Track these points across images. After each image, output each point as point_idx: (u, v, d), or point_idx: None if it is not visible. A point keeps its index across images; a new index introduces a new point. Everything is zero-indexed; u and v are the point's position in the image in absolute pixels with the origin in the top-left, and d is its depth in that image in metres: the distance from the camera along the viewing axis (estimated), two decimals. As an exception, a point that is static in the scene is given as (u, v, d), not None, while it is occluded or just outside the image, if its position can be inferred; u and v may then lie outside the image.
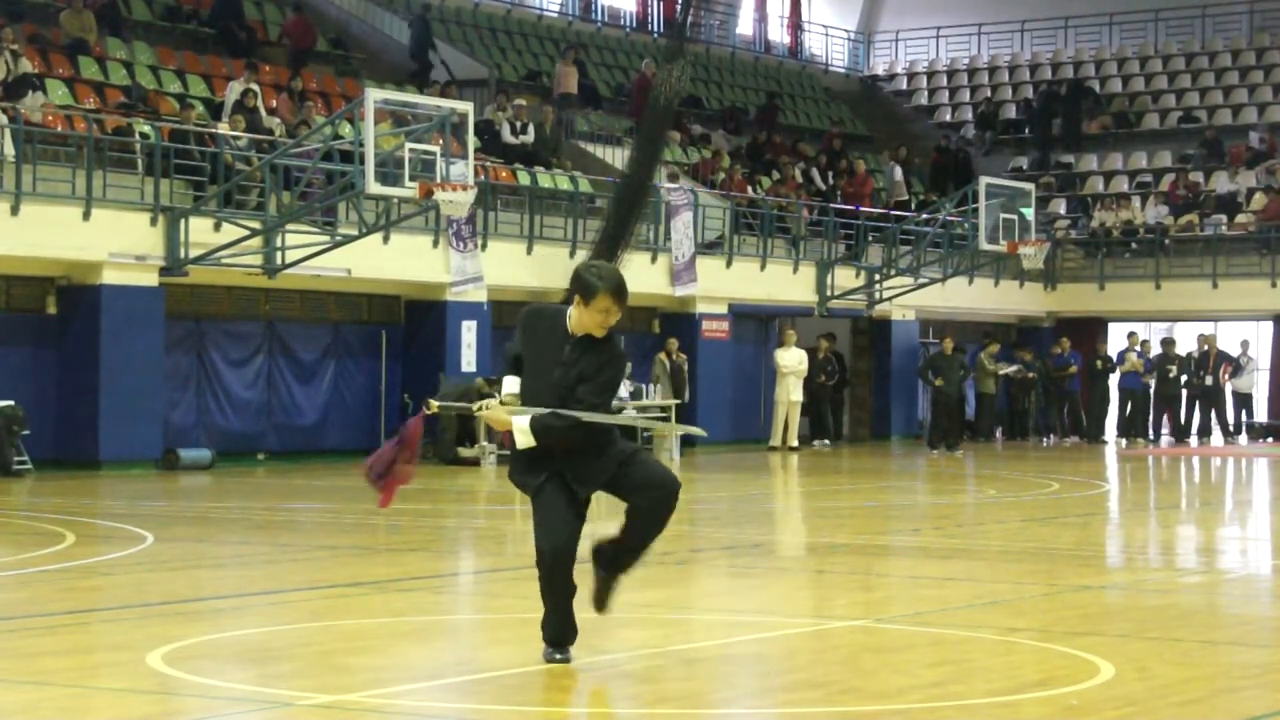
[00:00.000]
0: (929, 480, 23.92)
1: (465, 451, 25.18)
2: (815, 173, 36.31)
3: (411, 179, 21.94)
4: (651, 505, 8.39)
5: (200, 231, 23.34)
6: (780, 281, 31.14)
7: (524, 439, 8.19)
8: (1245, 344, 34.82)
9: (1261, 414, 35.46)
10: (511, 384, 8.35)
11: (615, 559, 8.64)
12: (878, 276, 32.27)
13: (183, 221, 23.17)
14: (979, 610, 10.77)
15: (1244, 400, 34.80)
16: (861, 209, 34.00)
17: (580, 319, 8.17)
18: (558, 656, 8.42)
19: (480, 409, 8.33)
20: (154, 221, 23.12)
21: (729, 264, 30.45)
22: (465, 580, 13.15)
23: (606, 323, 8.18)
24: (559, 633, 8.46)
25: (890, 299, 32.50)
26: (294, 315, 25.92)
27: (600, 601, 8.67)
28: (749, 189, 33.32)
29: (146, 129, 24.40)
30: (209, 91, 28.18)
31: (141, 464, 23.02)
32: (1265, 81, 41.86)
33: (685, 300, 29.70)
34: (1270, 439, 34.55)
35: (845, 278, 32.14)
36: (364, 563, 13.62)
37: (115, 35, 28.68)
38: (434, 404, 8.64)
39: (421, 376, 26.38)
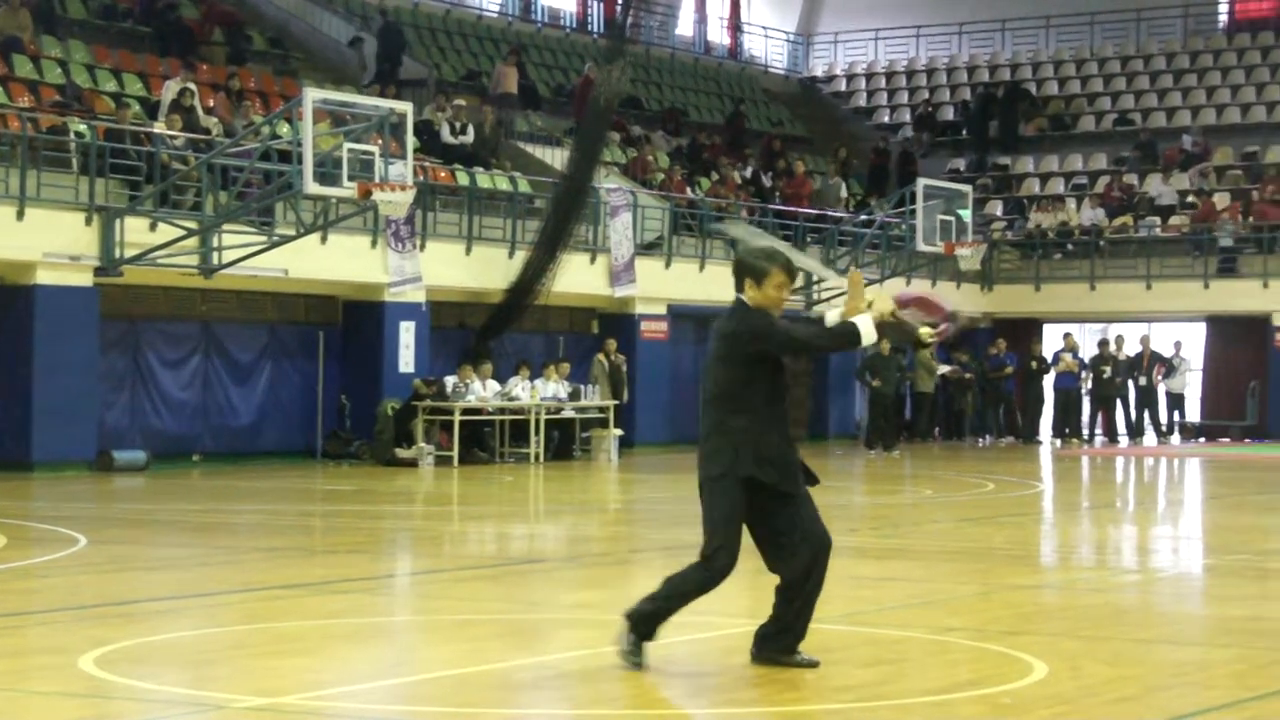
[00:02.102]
0: (866, 480, 24.02)
1: (403, 452, 25.11)
2: (754, 173, 36.37)
3: (350, 179, 21.88)
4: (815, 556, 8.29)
5: (136, 231, 23.19)
6: (719, 282, 31.04)
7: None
8: (1178, 345, 35.11)
9: (1194, 414, 35.77)
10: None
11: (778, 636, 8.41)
12: (816, 277, 32.34)
13: (118, 221, 23.02)
14: (914, 610, 10.83)
15: (1177, 400, 35.11)
16: (800, 210, 34.10)
17: (759, 303, 8.21)
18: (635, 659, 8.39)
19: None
20: (89, 221, 22.96)
21: (668, 265, 30.48)
22: (402, 582, 13.12)
23: (783, 299, 8.24)
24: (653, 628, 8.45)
25: (829, 299, 32.57)
26: (230, 316, 25.79)
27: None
28: (688, 190, 33.36)
29: (82, 128, 24.22)
30: (145, 90, 28.00)
31: (75, 466, 22.85)
32: (1199, 85, 42.22)
33: (624, 301, 29.72)
34: (1202, 439, 34.86)
35: (784, 279, 32.16)
36: (300, 564, 13.57)
37: (50, 33, 28.46)
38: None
39: (359, 378, 26.31)
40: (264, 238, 23.72)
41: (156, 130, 24.57)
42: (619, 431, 27.59)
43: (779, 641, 8.31)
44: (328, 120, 23.56)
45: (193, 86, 26.37)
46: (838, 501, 20.64)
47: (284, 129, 25.21)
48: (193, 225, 23.34)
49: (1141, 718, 7.53)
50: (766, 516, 8.24)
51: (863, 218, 34.34)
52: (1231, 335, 35.31)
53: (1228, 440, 34.35)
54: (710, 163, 36.15)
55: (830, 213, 35.18)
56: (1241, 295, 34.64)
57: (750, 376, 8.17)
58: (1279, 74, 41.51)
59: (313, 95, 22.42)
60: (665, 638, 9.68)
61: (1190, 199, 37.41)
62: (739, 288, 8.28)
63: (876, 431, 30.85)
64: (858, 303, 8.28)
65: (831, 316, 8.39)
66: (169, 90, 26.28)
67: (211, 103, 27.50)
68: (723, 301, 30.95)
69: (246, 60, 30.98)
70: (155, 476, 22.72)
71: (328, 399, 26.44)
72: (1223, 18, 44.93)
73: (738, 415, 8.15)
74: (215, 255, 23.68)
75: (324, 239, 24.90)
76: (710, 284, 30.97)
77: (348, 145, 22.07)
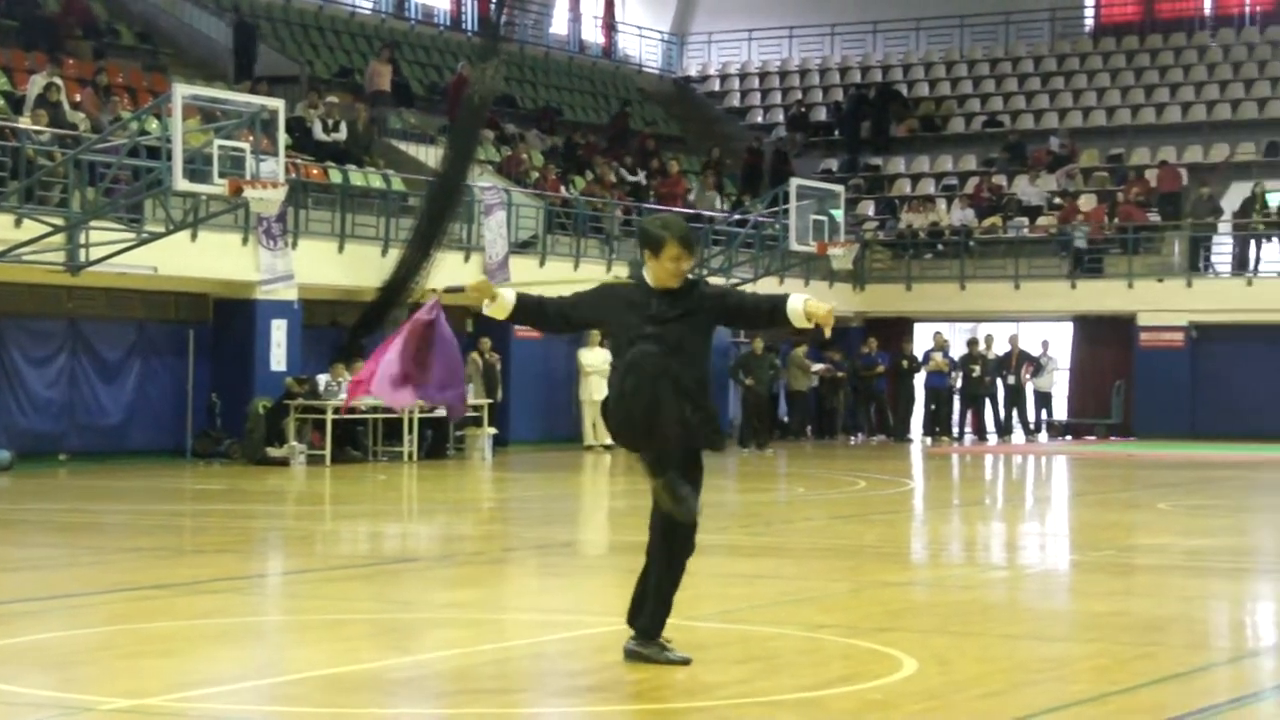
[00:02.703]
0: (739, 479, 24.13)
1: (274, 451, 24.89)
2: (628, 173, 36.43)
3: (221, 176, 21.67)
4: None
5: (0, 228, 22.80)
6: (595, 281, 31.12)
7: (500, 311, 8.42)
8: (1046, 344, 35.60)
9: (1061, 412, 36.29)
10: (506, 290, 8.55)
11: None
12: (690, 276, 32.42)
13: (-18, 217, 22.64)
14: (786, 607, 10.90)
15: (1044, 399, 35.59)
16: (674, 209, 34.18)
17: (655, 273, 8.25)
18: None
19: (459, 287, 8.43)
20: (-48, 217, 22.57)
21: (542, 263, 30.45)
22: (273, 581, 13.02)
23: (679, 270, 8.22)
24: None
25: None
26: (98, 313, 25.44)
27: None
28: (562, 189, 33.36)
29: (-56, 122, 23.80)
30: (10, 85, 27.53)
31: (-62, 465, 22.44)
32: (1065, 87, 42.84)
33: (498, 299, 29.59)
34: (1069, 437, 35.38)
35: (658, 277, 32.22)
36: (169, 565, 13.42)
37: (-88, 25, 27.94)
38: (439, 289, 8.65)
39: (230, 376, 26.06)
40: (132, 235, 23.42)
41: (22, 125, 24.16)
42: (493, 430, 27.53)
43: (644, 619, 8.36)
44: (198, 116, 23.30)
45: (59, 81, 25.98)
46: (711, 499, 20.70)
47: (153, 125, 24.90)
48: (59, 222, 22.99)
49: (1008, 712, 7.62)
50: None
51: (736, 217, 34.50)
52: (1097, 335, 35.86)
53: (1093, 438, 34.88)
54: (585, 162, 36.16)
55: (704, 212, 35.30)
56: (1107, 295, 35.19)
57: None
58: (1143, 77, 42.21)
59: (182, 91, 22.19)
60: (537, 636, 9.69)
61: (1057, 200, 37.95)
62: (641, 256, 8.45)
63: (749, 430, 31.02)
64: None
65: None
66: (34, 85, 25.87)
67: (79, 98, 27.10)
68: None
69: (113, 55, 30.55)
70: (20, 476, 22.35)
71: (198, 398, 26.17)
72: (1088, 21, 45.61)
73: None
74: (82, 252, 23.34)
75: (194, 236, 24.62)
76: (585, 282, 30.94)
77: (218, 142, 21.85)
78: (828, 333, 8.39)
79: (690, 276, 8.37)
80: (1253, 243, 34.98)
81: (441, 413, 26.93)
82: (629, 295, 8.38)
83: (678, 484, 8.03)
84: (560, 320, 8.59)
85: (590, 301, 8.55)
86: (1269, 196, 35.43)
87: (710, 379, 8.37)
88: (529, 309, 8.61)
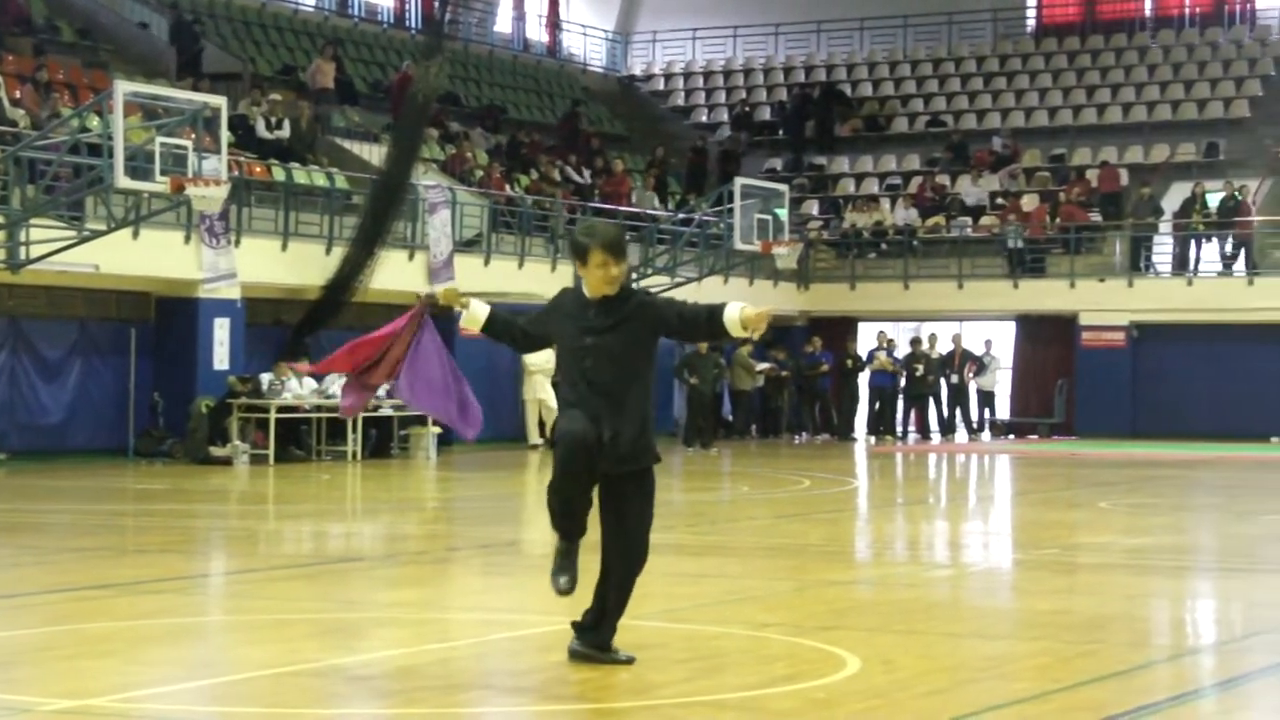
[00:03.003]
0: (684, 478, 24.15)
1: (217, 451, 24.77)
2: (573, 171, 36.42)
3: (163, 173, 21.55)
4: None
5: (-60, 225, 22.64)
6: (539, 279, 31.13)
7: (472, 323, 8.44)
8: (989, 343, 35.78)
9: (1004, 411, 36.48)
10: (479, 303, 8.55)
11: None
12: (635, 275, 32.48)
13: (-79, 214, 22.45)
14: (731, 606, 10.92)
15: (987, 398, 35.77)
16: (619, 208, 34.20)
17: (588, 282, 8.18)
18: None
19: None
20: (-110, 214, 22.36)
21: (487, 262, 30.40)
22: (216, 581, 12.95)
23: (609, 277, 8.12)
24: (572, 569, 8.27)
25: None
26: (39, 312, 25.25)
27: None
28: (507, 187, 33.31)
29: (-118, 118, 23.58)
30: (-51, 81, 27.33)
31: (-124, 465, 22.25)
32: (1008, 88, 43.07)
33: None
34: (1012, 436, 35.56)
35: (603, 276, 32.21)
36: (110, 564, 13.34)
37: None
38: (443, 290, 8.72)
39: (173, 375, 25.91)
40: (74, 232, 23.26)
41: (-39, 122, 23.99)
42: (437, 430, 27.46)
43: (599, 634, 8.37)
44: (139, 113, 23.17)
45: (-2, 77, 25.80)
46: (656, 499, 20.73)
47: (94, 122, 24.73)
48: (-1, 219, 22.84)
49: (950, 710, 7.66)
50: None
51: (681, 216, 34.52)
52: (1040, 334, 36.06)
53: (1036, 437, 35.07)
54: (530, 160, 36.12)
55: (649, 211, 35.34)
56: (1049, 295, 35.39)
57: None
58: (1085, 78, 42.48)
59: (124, 88, 22.03)
60: (481, 635, 9.68)
61: (1000, 200, 38.14)
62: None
63: (694, 429, 31.06)
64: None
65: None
66: (-27, 81, 25.69)
67: (18, 94, 26.90)
68: (542, 298, 30.97)
69: (53, 51, 30.32)
70: (-40, 476, 22.18)
71: (140, 396, 26.00)
72: (1030, 22, 45.87)
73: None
74: (23, 250, 23.16)
75: (136, 234, 24.47)
76: (530, 280, 30.94)
77: (160, 139, 21.74)
78: (756, 335, 8.35)
79: (631, 286, 8.32)
80: (1193, 243, 35.25)
81: (387, 412, 26.88)
82: (569, 306, 8.32)
83: (562, 564, 8.19)
84: (524, 337, 8.57)
85: (542, 317, 8.50)
86: (1209, 197, 35.71)
87: (650, 390, 8.32)
88: (500, 323, 8.59)
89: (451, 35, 37.94)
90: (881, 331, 35.53)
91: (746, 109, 43.93)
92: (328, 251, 26.96)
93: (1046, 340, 35.92)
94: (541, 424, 30.06)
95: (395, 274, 27.46)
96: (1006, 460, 29.13)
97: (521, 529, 17.23)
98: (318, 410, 26.00)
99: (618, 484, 8.25)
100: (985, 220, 37.54)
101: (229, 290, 26.04)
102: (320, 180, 29.43)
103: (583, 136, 39.40)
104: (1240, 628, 10.81)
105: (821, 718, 7.51)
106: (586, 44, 46.56)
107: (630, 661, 8.33)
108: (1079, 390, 35.18)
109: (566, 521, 8.18)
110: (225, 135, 22.99)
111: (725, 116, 44.29)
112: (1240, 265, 34.88)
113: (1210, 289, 34.32)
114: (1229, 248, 35.22)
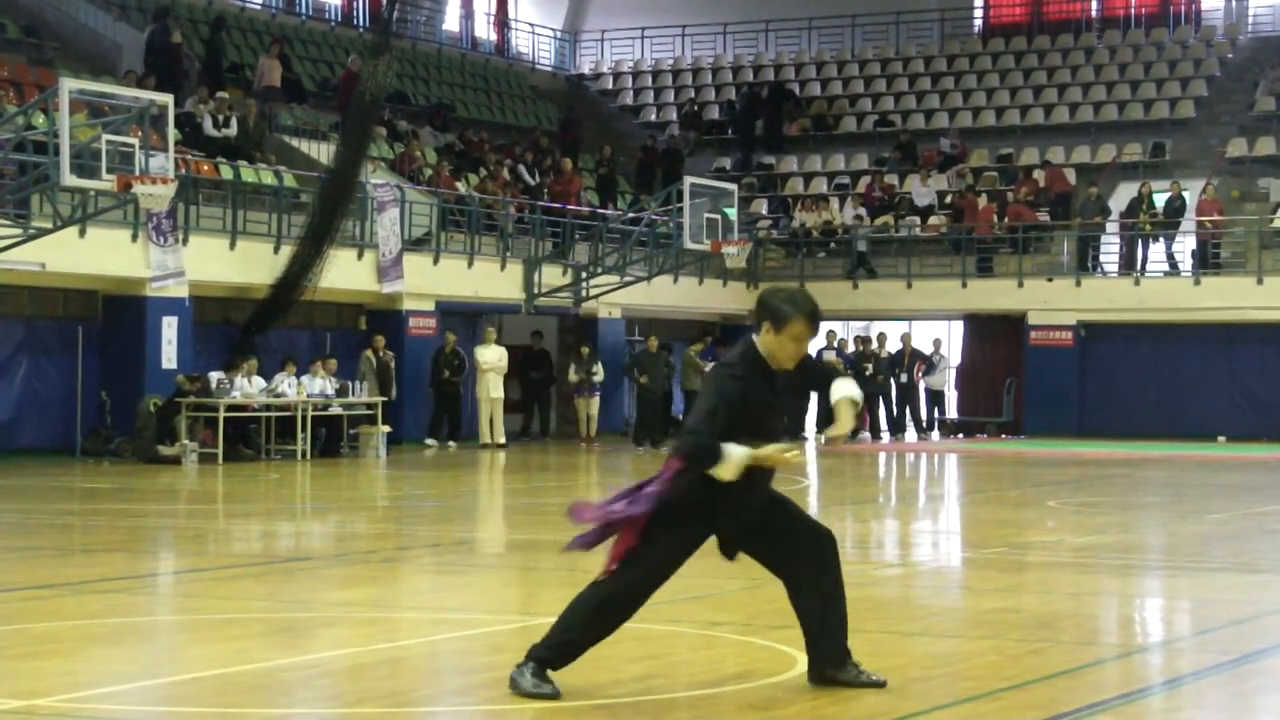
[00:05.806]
0: (634, 477, 24.10)
1: (166, 450, 24.63)
2: (523, 170, 36.37)
3: (109, 171, 21.44)
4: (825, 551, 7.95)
5: (-117, 223, 22.44)
6: (488, 279, 31.12)
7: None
8: (938, 342, 35.91)
9: (953, 411, 36.62)
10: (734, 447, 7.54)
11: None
12: (584, 274, 32.48)
13: None
14: (682, 605, 10.92)
15: (936, 397, 35.89)
16: (569, 207, 34.19)
17: (771, 349, 7.61)
18: (547, 689, 7.67)
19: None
20: None
21: (436, 261, 30.34)
22: (164, 581, 12.88)
23: (800, 353, 7.64)
24: (567, 658, 7.78)
25: (597, 297, 32.75)
26: (-16, 310, 25.09)
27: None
28: (456, 186, 33.25)
29: None
30: (-107, 77, 27.12)
31: None
32: (955, 88, 43.25)
33: (392, 297, 29.50)
34: (960, 435, 35.70)
35: (553, 275, 32.26)
36: (58, 564, 13.26)
37: None
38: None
39: (120, 373, 25.76)
40: (19, 230, 23.10)
41: (-95, 119, 23.80)
42: (387, 428, 27.39)
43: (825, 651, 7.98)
44: (85, 111, 23.02)
45: (-56, 74, 25.60)
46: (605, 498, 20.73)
47: (40, 119, 24.57)
48: (-56, 217, 22.66)
49: (900, 709, 7.67)
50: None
51: (630, 216, 34.52)
52: (988, 333, 36.20)
53: (984, 436, 35.22)
54: (478, 159, 36.06)
55: (598, 210, 35.33)
56: (998, 294, 35.54)
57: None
58: (1032, 78, 42.69)
59: (69, 85, 21.90)
60: (431, 634, 9.66)
61: (949, 200, 38.28)
62: (756, 327, 7.77)
63: (644, 428, 31.08)
64: (843, 427, 7.71)
65: (838, 389, 7.77)
66: (-82, 77, 25.48)
67: (-37, 91, 26.72)
68: (491, 298, 30.82)
69: None
70: (-97, 476, 21.99)
71: (87, 395, 25.84)
72: (977, 22, 46.08)
73: None
74: (-33, 248, 23.01)
75: (83, 232, 24.32)
76: (479, 280, 30.91)
77: (106, 137, 21.61)
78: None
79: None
80: (1139, 243, 35.47)
81: (337, 411, 26.80)
82: (753, 391, 7.63)
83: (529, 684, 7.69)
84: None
85: (729, 413, 7.59)
86: (1155, 197, 35.92)
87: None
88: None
89: (399, 33, 37.87)
90: (830, 331, 35.63)
91: (695, 108, 43.97)
92: (276, 250, 26.86)
93: (995, 339, 36.07)
94: (492, 422, 30.02)
95: (344, 273, 27.42)
96: (955, 459, 29.24)
97: (472, 528, 17.20)
98: (266, 409, 25.89)
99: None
100: (934, 220, 37.67)
101: (177, 289, 25.91)
102: (268, 178, 29.32)
103: (532, 135, 39.33)
104: (1188, 626, 10.89)
105: (771, 716, 7.52)
106: (535, 43, 46.53)
107: (882, 685, 7.93)
108: (1027, 389, 35.34)
109: (578, 653, 7.79)
110: (172, 133, 22.89)
111: (674, 116, 44.31)
112: (1186, 265, 35.11)
113: (1156, 288, 34.53)
114: (1176, 248, 35.45)
